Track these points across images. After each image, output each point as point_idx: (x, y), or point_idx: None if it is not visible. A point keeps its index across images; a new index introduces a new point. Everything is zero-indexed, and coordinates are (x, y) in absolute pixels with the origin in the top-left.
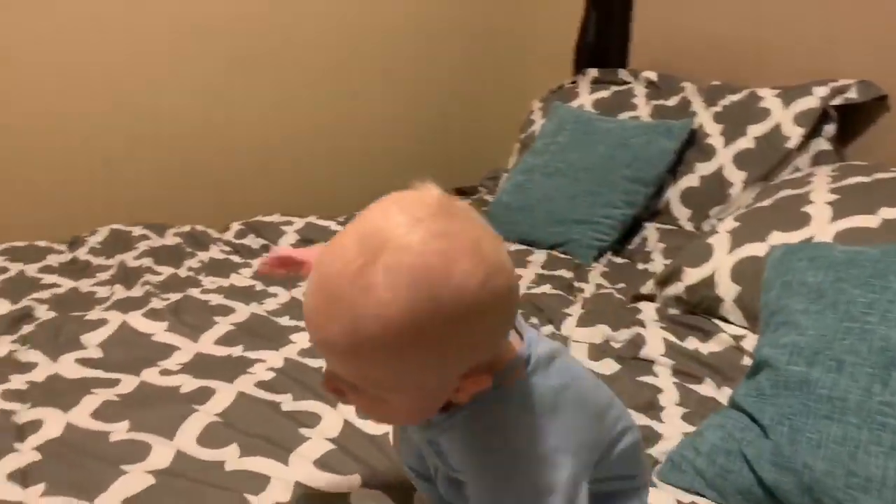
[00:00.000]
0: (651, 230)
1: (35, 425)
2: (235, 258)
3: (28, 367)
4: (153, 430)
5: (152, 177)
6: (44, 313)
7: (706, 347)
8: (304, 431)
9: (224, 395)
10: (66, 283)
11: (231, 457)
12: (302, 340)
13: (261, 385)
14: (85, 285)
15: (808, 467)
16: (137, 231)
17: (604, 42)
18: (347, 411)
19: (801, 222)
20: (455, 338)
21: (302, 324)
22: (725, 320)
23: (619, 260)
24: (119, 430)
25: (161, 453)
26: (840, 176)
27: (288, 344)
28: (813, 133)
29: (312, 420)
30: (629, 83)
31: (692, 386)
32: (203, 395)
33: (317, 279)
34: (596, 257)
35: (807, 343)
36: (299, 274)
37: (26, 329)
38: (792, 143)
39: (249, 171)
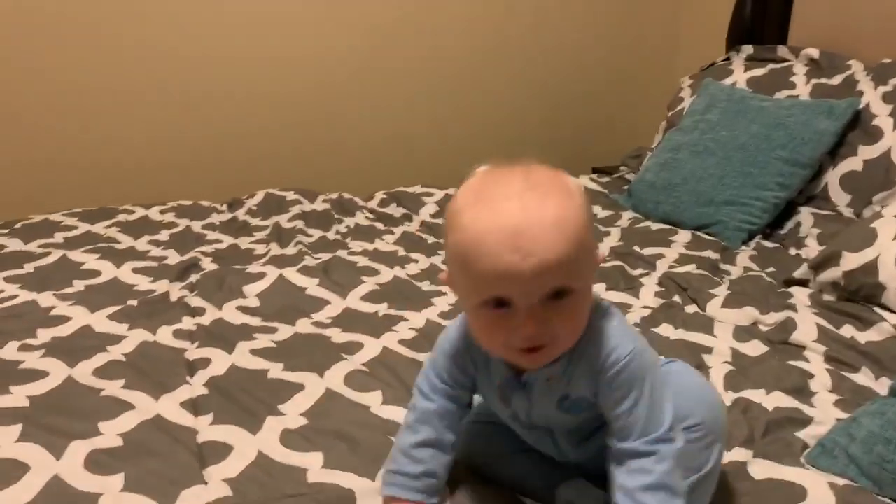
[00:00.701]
0: (806, 215)
1: (204, 363)
2: (379, 225)
3: (198, 311)
4: (308, 368)
5: (305, 148)
6: (208, 265)
7: (864, 336)
8: None
9: (371, 347)
10: (227, 240)
11: (374, 402)
12: (441, 304)
13: (403, 342)
14: (244, 242)
15: None
16: (290, 196)
17: (761, 17)
18: None
19: None
20: (590, 220)
21: (442, 288)
22: (887, 309)
23: (769, 244)
24: (275, 370)
25: (313, 394)
26: None
27: (429, 306)
28: None
29: None
30: (788, 61)
31: (847, 374)
32: (351, 347)
33: (501, 233)
34: (745, 241)
35: None
36: None
37: (194, 278)
38: None
39: (394, 147)
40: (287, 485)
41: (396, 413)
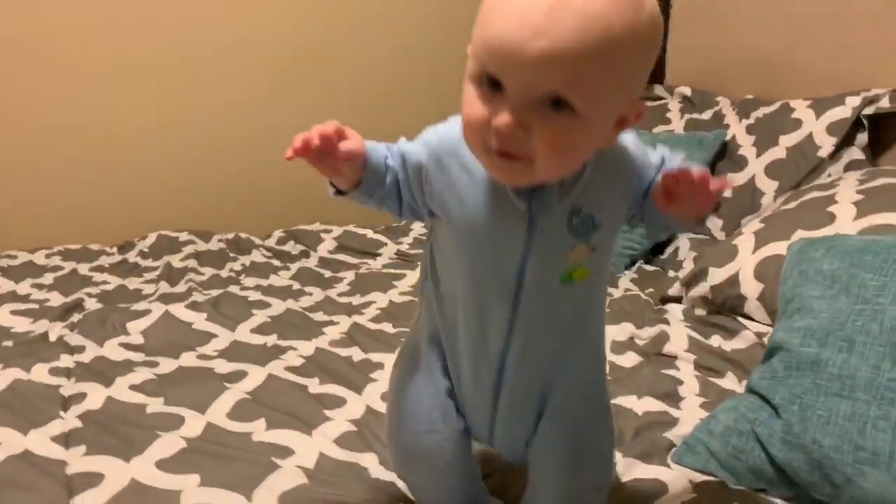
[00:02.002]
0: (683, 240)
1: (79, 397)
2: (275, 262)
3: (77, 349)
4: (187, 404)
5: (199, 187)
6: (93, 305)
7: (730, 345)
8: (327, 412)
9: (256, 376)
10: (115, 281)
11: (258, 429)
12: (332, 333)
13: (290, 369)
14: (132, 283)
15: (818, 443)
16: (184, 237)
17: None
18: (370, 397)
19: (826, 221)
20: (647, 57)
21: (335, 318)
22: (750, 318)
23: (650, 268)
24: (155, 404)
25: (193, 424)
26: (868, 179)
27: (320, 335)
28: (845, 142)
29: (337, 403)
30: (664, 98)
31: (713, 379)
32: (236, 376)
33: (521, 0)
34: (627, 266)
35: (819, 325)
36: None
37: (76, 317)
38: (824, 153)
39: (292, 183)
40: None
41: (279, 437)
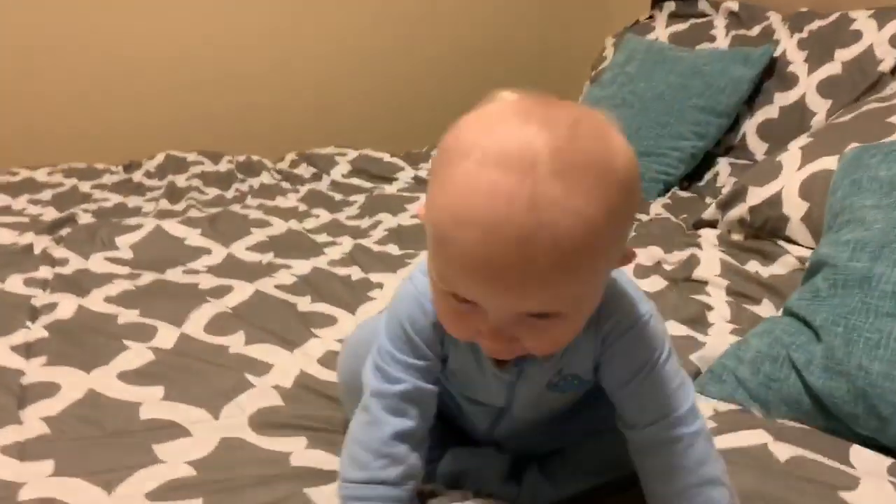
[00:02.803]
0: (724, 165)
1: (49, 307)
2: (285, 184)
3: (60, 261)
4: (163, 317)
5: (214, 110)
6: (86, 219)
7: (768, 270)
8: (315, 330)
9: (242, 291)
10: (115, 198)
11: (236, 343)
12: (333, 253)
13: (281, 287)
14: (133, 201)
15: (864, 370)
16: (192, 157)
17: None
18: (364, 317)
19: (885, 132)
20: (630, 217)
21: (339, 239)
22: (792, 241)
23: (686, 194)
24: (129, 315)
25: (166, 336)
26: None
27: (320, 255)
28: None
29: (326, 322)
30: (709, 15)
31: (748, 306)
32: (221, 290)
33: (488, 233)
34: (661, 192)
35: (872, 237)
36: None
37: (64, 231)
38: (886, 66)
39: (307, 106)
40: (114, 422)
41: (258, 351)
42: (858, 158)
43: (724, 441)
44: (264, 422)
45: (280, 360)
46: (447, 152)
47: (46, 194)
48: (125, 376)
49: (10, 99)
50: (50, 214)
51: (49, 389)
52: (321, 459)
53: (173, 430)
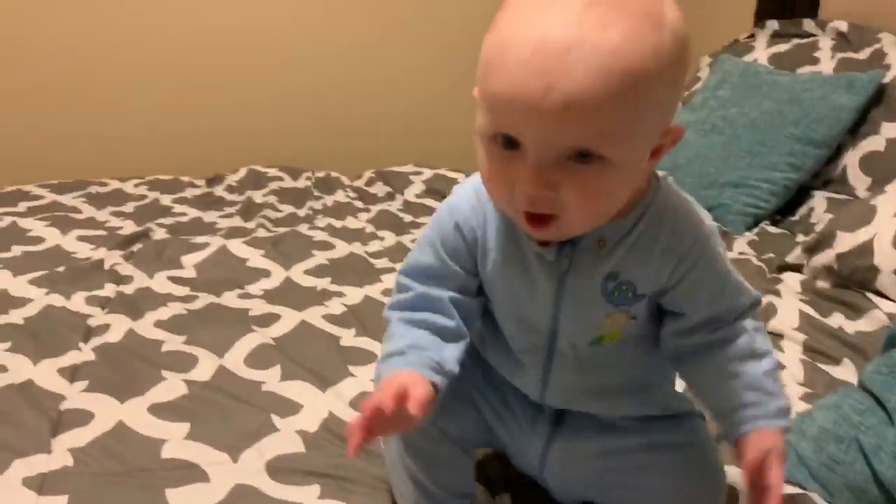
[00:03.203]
0: (820, 199)
1: (102, 329)
2: (358, 203)
3: (125, 279)
4: (207, 345)
5: (298, 126)
6: (160, 235)
7: (853, 326)
8: (351, 368)
9: (288, 321)
10: (193, 213)
11: (271, 379)
12: (389, 280)
13: (327, 317)
14: (210, 216)
15: None
16: (273, 172)
17: None
18: None
19: None
20: (678, 79)
21: (398, 265)
22: (883, 295)
23: (775, 230)
24: (174, 342)
25: (205, 367)
26: None
27: (375, 283)
28: None
29: (366, 358)
30: (814, 35)
31: (825, 366)
32: (267, 320)
33: (535, 47)
34: (749, 226)
35: None
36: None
37: (135, 247)
38: None
39: (388, 123)
40: (136, 458)
41: (294, 391)
42: None
43: None
44: (281, 468)
45: (310, 401)
46: (501, 8)
47: (129, 206)
48: (156, 409)
49: (106, 110)
50: (128, 228)
51: (82, 418)
52: None
53: (191, 472)
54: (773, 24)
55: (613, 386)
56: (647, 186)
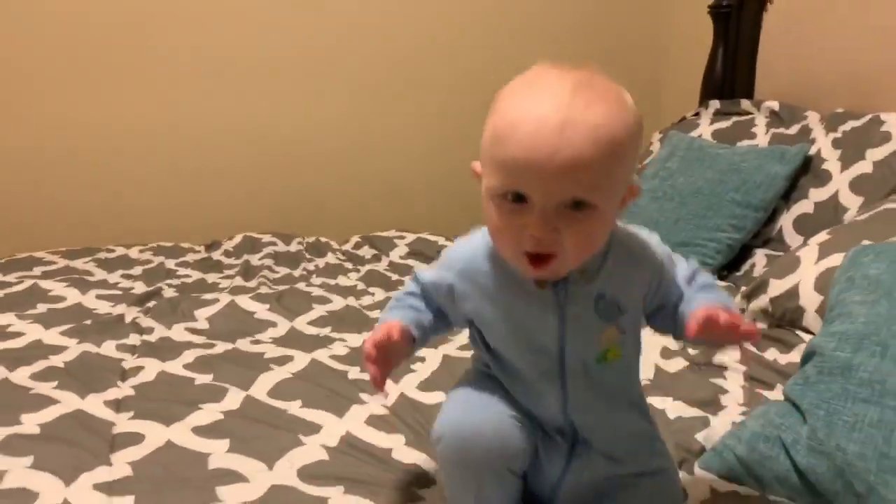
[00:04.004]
0: (760, 256)
1: (136, 370)
2: (347, 264)
3: (146, 330)
4: (232, 381)
5: (288, 194)
6: (170, 293)
7: (785, 358)
8: (363, 396)
9: (300, 361)
10: (196, 275)
11: (293, 406)
12: None
13: (334, 357)
14: (211, 277)
15: (841, 450)
16: (267, 238)
17: (730, 75)
18: (406, 386)
19: (894, 231)
20: (638, 146)
21: None
22: (808, 332)
23: (721, 283)
24: (204, 379)
25: (234, 398)
26: None
27: (371, 329)
28: None
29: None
30: (751, 113)
31: (762, 391)
32: (282, 360)
33: (537, 126)
34: None
35: (855, 330)
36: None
37: (151, 304)
38: None
39: (373, 192)
40: (187, 468)
41: (311, 414)
42: (856, 257)
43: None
44: (310, 473)
45: (329, 422)
46: (497, 97)
47: (137, 270)
48: (198, 430)
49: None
50: (139, 288)
51: (135, 439)
52: (354, 502)
53: (234, 477)
54: (715, 104)
55: (619, 399)
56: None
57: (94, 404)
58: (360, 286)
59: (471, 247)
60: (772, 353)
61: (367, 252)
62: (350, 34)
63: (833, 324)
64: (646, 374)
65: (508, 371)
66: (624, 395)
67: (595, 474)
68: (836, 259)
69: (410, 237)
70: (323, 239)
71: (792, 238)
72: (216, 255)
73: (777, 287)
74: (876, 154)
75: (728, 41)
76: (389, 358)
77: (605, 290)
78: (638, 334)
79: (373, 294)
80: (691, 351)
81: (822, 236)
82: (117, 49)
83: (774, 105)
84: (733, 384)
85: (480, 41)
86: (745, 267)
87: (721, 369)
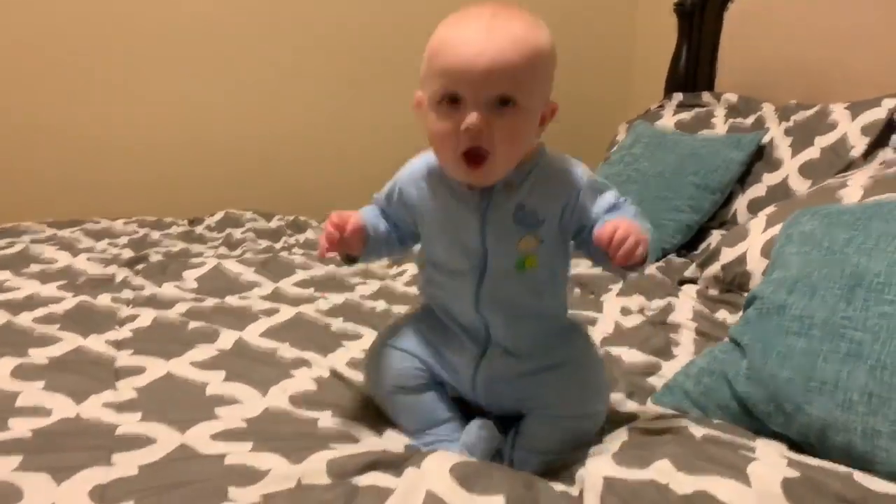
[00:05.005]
0: (716, 236)
1: (132, 318)
2: None
3: (138, 287)
4: (225, 325)
5: (269, 174)
6: (158, 258)
7: (734, 318)
8: (344, 342)
9: (287, 313)
10: (181, 245)
11: (282, 347)
12: (361, 289)
13: (319, 311)
14: (196, 248)
15: (774, 377)
16: (248, 215)
17: (693, 70)
18: None
19: (831, 202)
20: (552, 66)
21: (369, 280)
22: None
23: (679, 259)
24: (197, 324)
25: (227, 339)
26: (885, 167)
27: (353, 291)
28: (879, 143)
29: (353, 336)
30: (710, 105)
31: (711, 344)
32: (270, 311)
33: (465, 37)
34: (659, 258)
35: (789, 276)
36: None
37: (141, 266)
38: (856, 152)
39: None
40: (186, 393)
41: (299, 354)
42: (795, 218)
43: (653, 424)
44: (299, 399)
45: (316, 361)
46: (433, 34)
47: (123, 239)
48: (195, 364)
49: (94, 156)
50: (127, 254)
51: (136, 370)
52: (339, 423)
53: (230, 401)
54: (678, 96)
55: (529, 307)
56: (537, 151)
57: (96, 342)
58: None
59: (412, 165)
60: (722, 314)
61: None
62: (330, 24)
63: (773, 273)
64: (605, 328)
65: (439, 269)
66: (535, 306)
67: (504, 372)
68: (780, 227)
69: None
70: (302, 217)
71: (745, 218)
72: (199, 229)
73: (728, 254)
74: (823, 141)
75: (691, 38)
76: (344, 240)
77: (524, 201)
78: (559, 251)
79: (353, 268)
80: (647, 312)
81: (770, 209)
82: (106, 31)
83: (733, 98)
84: (685, 338)
85: None
86: (703, 246)
87: (675, 327)
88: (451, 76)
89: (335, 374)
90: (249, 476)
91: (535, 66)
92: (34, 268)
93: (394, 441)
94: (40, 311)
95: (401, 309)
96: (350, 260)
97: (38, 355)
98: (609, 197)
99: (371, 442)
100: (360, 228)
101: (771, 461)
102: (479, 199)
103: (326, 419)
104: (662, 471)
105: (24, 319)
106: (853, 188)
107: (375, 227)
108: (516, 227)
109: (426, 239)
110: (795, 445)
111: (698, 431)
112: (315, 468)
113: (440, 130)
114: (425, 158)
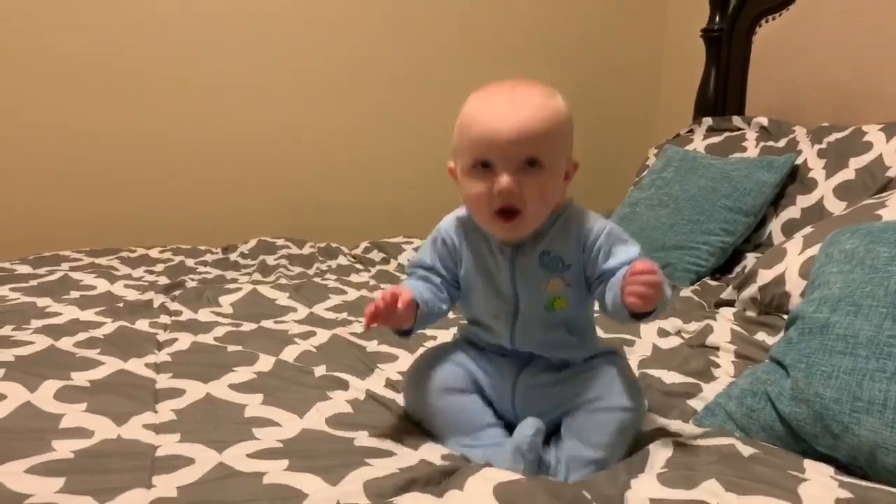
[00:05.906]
0: (751, 259)
1: (171, 342)
2: (358, 266)
3: (175, 313)
4: (262, 350)
5: (301, 202)
6: (194, 285)
7: (773, 339)
8: (380, 365)
9: (323, 335)
10: (215, 272)
11: (319, 371)
12: None
13: (354, 334)
14: (230, 274)
15: (819, 396)
16: (280, 242)
17: (721, 94)
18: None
19: (870, 221)
20: (570, 130)
21: None
22: None
23: (714, 283)
24: (235, 348)
25: (265, 362)
26: None
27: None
28: None
29: (389, 359)
30: (742, 129)
31: (751, 366)
32: (306, 335)
33: (493, 111)
34: (693, 281)
35: (832, 294)
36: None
37: (177, 292)
38: (892, 172)
39: (382, 201)
40: (225, 415)
41: (338, 377)
42: (835, 237)
43: (698, 441)
44: (336, 421)
45: (353, 382)
46: (460, 114)
47: (159, 267)
48: (234, 387)
49: (131, 188)
50: (163, 281)
51: (176, 393)
52: (375, 442)
53: (268, 422)
54: (707, 121)
55: (560, 340)
56: (563, 204)
57: (136, 366)
58: (372, 282)
59: (448, 218)
60: (761, 336)
61: (376, 255)
62: (361, 46)
63: (813, 293)
64: (643, 350)
65: (477, 323)
66: (568, 340)
67: (544, 379)
68: (818, 248)
69: (418, 242)
70: (334, 244)
71: (779, 240)
72: (233, 256)
73: (765, 276)
74: (858, 162)
75: (720, 62)
76: (390, 315)
77: (548, 247)
78: (584, 296)
79: (384, 289)
80: (685, 335)
81: (807, 230)
82: (138, 61)
83: (764, 121)
84: (724, 360)
85: (483, 60)
86: (738, 269)
87: (714, 349)
88: (482, 145)
89: (372, 395)
90: (287, 497)
91: (555, 129)
92: (74, 294)
93: (432, 453)
94: (81, 336)
95: (435, 332)
96: (404, 333)
97: (80, 378)
98: (632, 250)
99: (408, 455)
100: (410, 301)
101: (822, 482)
102: (509, 250)
103: (363, 438)
104: (711, 491)
105: (66, 344)
106: (892, 208)
107: (421, 295)
108: (542, 271)
109: (465, 289)
110: (843, 468)
111: (745, 450)
112: (352, 489)
113: (476, 193)
114: (458, 213)
